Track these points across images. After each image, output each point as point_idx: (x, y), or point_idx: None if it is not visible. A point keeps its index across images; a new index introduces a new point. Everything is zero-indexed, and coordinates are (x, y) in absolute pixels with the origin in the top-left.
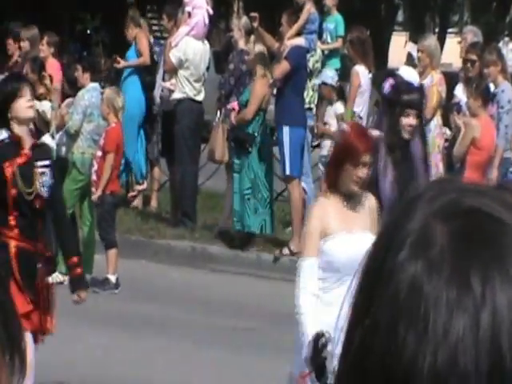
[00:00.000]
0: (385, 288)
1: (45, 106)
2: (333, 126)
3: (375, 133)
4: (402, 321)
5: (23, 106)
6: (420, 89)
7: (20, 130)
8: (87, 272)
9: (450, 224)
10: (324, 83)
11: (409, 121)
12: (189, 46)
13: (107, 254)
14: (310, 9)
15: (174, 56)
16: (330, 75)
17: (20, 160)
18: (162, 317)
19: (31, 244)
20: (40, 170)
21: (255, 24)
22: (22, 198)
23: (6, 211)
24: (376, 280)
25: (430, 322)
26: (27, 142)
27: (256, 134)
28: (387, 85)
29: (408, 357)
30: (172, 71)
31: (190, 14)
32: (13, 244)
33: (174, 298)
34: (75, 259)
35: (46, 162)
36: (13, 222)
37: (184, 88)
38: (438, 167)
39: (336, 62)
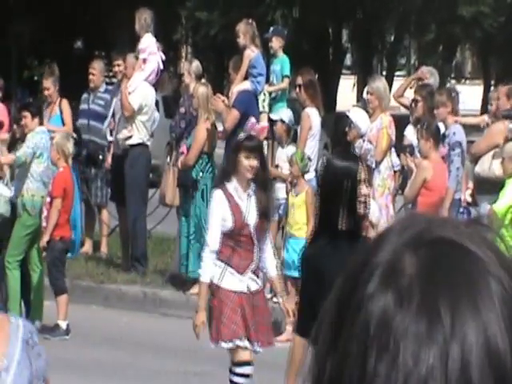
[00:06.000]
0: (354, 320)
1: None
2: (284, 169)
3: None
4: (372, 352)
5: None
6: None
7: None
8: (37, 318)
9: (419, 254)
10: (282, 121)
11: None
12: (147, 92)
13: (57, 301)
14: (249, 55)
15: (134, 101)
16: (288, 114)
17: None
18: (114, 362)
19: None
20: None
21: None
22: None
23: None
24: (345, 311)
25: (400, 354)
26: None
27: (199, 179)
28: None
29: None
30: (132, 116)
31: (144, 60)
32: None
33: (125, 344)
34: None
35: None
36: None
37: (140, 133)
38: (388, 208)
39: (283, 104)
